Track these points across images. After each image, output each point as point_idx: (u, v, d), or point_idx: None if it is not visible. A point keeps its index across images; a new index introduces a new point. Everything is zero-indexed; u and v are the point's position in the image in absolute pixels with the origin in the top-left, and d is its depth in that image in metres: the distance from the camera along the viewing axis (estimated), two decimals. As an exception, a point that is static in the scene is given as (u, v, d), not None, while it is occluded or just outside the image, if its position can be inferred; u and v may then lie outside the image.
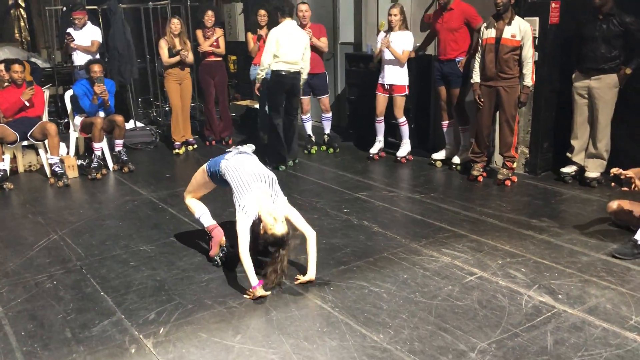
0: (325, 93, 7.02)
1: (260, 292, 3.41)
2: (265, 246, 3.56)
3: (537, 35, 5.49)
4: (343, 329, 3.10)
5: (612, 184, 4.09)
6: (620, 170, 3.96)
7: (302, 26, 6.60)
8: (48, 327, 3.20)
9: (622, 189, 3.98)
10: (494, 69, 5.34)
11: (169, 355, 2.90)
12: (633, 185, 3.88)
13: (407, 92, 6.33)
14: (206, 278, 3.75)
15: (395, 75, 6.25)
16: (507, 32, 5.25)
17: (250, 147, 4.08)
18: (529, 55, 5.25)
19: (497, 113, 5.59)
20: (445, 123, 6.24)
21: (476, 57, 5.53)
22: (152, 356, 2.90)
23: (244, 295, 3.46)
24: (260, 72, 6.21)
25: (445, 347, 2.90)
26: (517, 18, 5.28)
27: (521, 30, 5.22)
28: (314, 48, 6.70)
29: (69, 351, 2.95)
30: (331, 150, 7.15)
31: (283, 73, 6.12)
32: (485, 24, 5.44)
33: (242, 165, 3.71)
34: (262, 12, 7.09)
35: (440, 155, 6.33)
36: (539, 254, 3.98)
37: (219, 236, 3.98)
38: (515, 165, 5.64)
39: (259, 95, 6.64)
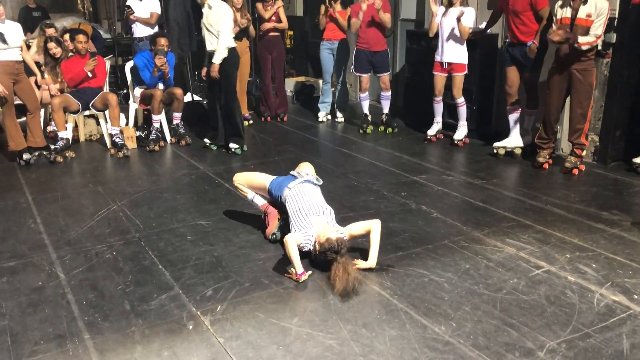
0: (386, 71, 6.84)
1: (303, 278, 3.39)
2: (324, 259, 3.42)
3: (616, 16, 5.15)
4: (403, 318, 3.00)
5: None
6: None
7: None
8: (108, 298, 3.23)
9: None
10: (568, 51, 5.03)
11: (226, 334, 2.88)
12: None
13: (466, 71, 6.08)
14: (263, 257, 3.72)
15: (455, 53, 6.01)
16: (583, 12, 4.93)
17: (317, 179, 4.02)
18: (598, 31, 4.88)
19: (569, 98, 5.30)
20: (510, 108, 5.93)
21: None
22: (209, 334, 2.88)
23: (285, 275, 3.43)
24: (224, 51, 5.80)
25: (511, 343, 2.76)
26: None
27: (597, 8, 4.88)
28: (376, 24, 6.53)
29: (128, 324, 2.97)
30: (389, 130, 6.99)
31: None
32: (560, 2, 5.12)
33: (303, 197, 3.75)
34: None
35: (502, 143, 6.02)
36: (611, 250, 3.76)
37: (274, 212, 3.99)
38: (584, 153, 5.35)
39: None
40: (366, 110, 7.06)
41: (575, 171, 5.31)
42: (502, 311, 3.05)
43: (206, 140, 6.28)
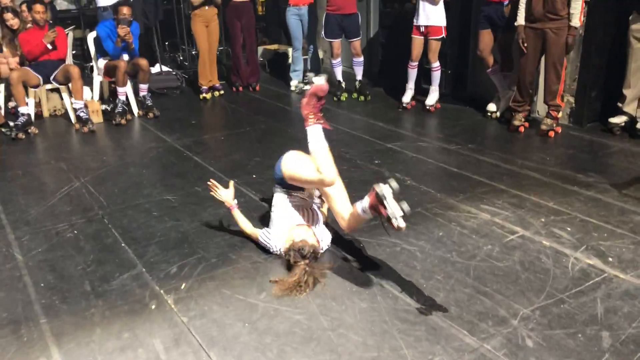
0: (358, 36, 6.64)
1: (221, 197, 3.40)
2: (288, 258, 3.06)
3: (592, -27, 5.01)
4: (374, 289, 2.91)
5: None
6: None
7: None
8: (67, 279, 3.09)
9: None
10: (542, 10, 4.90)
11: (190, 313, 2.76)
12: None
13: (444, 35, 5.92)
14: (231, 231, 3.59)
15: (431, 16, 5.83)
16: None
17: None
18: None
19: (543, 58, 5.18)
20: (491, 70, 5.78)
21: None
22: (173, 313, 2.76)
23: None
24: None
25: (484, 312, 2.69)
26: None
27: None
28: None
29: (87, 305, 2.84)
30: (362, 97, 6.83)
31: None
32: None
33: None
34: None
35: (493, 107, 5.89)
36: (586, 212, 3.69)
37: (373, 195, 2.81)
38: (560, 114, 5.26)
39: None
40: (339, 77, 6.89)
41: (552, 133, 5.23)
42: (475, 279, 2.97)
43: None
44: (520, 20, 5.08)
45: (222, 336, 2.58)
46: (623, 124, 5.20)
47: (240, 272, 3.12)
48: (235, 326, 2.65)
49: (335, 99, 6.82)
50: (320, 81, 3.05)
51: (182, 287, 2.98)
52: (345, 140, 5.36)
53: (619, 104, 5.18)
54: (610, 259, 3.13)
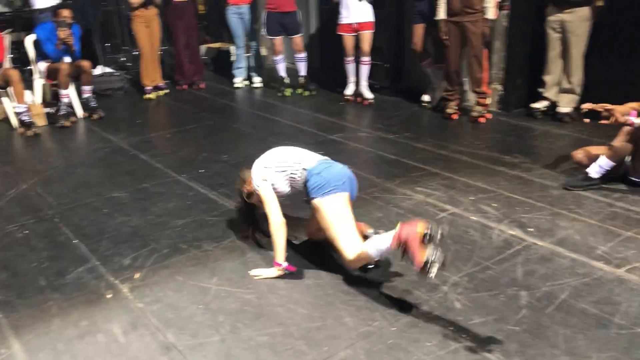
0: (298, 32, 6.85)
1: (276, 272, 3.03)
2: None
3: (511, -31, 5.39)
4: (319, 267, 3.13)
5: (587, 120, 4.06)
6: (593, 105, 3.92)
7: None
8: (22, 276, 3.18)
9: (601, 122, 3.86)
10: (460, 5, 5.25)
11: (145, 299, 2.91)
12: (613, 118, 3.76)
13: (373, 29, 6.19)
14: (181, 223, 3.74)
15: (361, 12, 6.08)
16: None
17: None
18: None
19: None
20: (425, 64, 6.10)
21: None
22: (129, 301, 2.91)
23: (252, 274, 3.07)
24: None
25: (418, 281, 2.95)
26: None
27: None
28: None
29: (44, 299, 2.95)
30: (306, 92, 7.04)
31: None
32: None
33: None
34: None
35: (428, 97, 6.21)
36: (511, 189, 4.03)
37: (413, 230, 2.51)
38: (488, 101, 5.63)
39: None
40: (283, 73, 7.08)
41: (482, 120, 5.59)
42: (410, 253, 3.24)
43: None
44: (441, 15, 5.41)
45: (177, 318, 2.75)
46: (544, 109, 5.61)
47: (192, 260, 3.29)
48: (189, 308, 2.82)
49: (279, 94, 7.01)
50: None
51: (137, 276, 3.12)
52: (291, 134, 5.57)
53: (540, 90, 5.58)
54: (530, 229, 3.46)
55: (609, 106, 3.82)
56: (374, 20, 6.14)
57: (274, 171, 3.14)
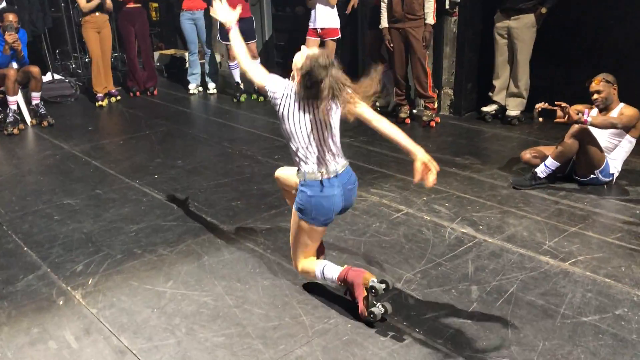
0: (253, 39, 6.87)
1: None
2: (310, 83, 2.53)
3: (459, -23, 5.56)
4: (275, 269, 3.15)
5: (540, 119, 4.11)
6: (547, 105, 4.00)
7: None
8: (-32, 285, 3.09)
9: (556, 120, 3.89)
10: (401, 11, 5.39)
11: (99, 305, 2.87)
12: (567, 117, 3.82)
13: (339, 36, 6.28)
14: (135, 228, 3.69)
15: (327, 18, 6.17)
16: None
17: None
18: None
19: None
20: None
21: (382, 2, 5.52)
22: (81, 307, 2.86)
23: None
24: None
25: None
26: None
27: None
28: (238, -9, 6.52)
29: (-8, 307, 2.87)
30: (262, 98, 7.05)
31: None
32: None
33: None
34: None
35: (382, 102, 6.31)
36: (462, 189, 4.15)
37: (359, 277, 2.65)
38: (435, 105, 5.77)
39: None
40: (237, 78, 7.08)
41: (433, 124, 5.72)
42: (365, 252, 3.29)
43: None
44: (384, 23, 5.54)
45: (131, 322, 2.72)
46: (494, 112, 5.79)
47: (147, 264, 3.25)
48: (144, 312, 2.79)
49: (234, 100, 7.00)
50: None
51: (89, 282, 3.07)
52: (246, 139, 5.57)
53: (490, 94, 5.76)
54: (480, 227, 3.57)
55: (564, 104, 3.92)
56: (338, 27, 6.21)
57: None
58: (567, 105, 3.89)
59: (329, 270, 2.74)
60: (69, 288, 3.02)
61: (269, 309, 2.79)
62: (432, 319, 2.67)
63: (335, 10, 6.16)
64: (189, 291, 2.97)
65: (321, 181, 2.61)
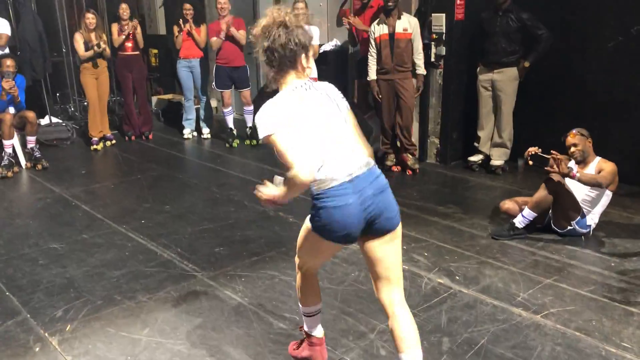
0: (247, 86, 7.07)
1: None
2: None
3: (444, 31, 5.75)
4: (251, 317, 3.19)
5: (531, 162, 4.07)
6: (537, 149, 4.05)
7: (221, 18, 6.67)
8: (-53, 330, 3.12)
9: (547, 168, 3.97)
10: (391, 63, 5.56)
11: (74, 352, 2.90)
12: (558, 168, 3.89)
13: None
14: (117, 274, 3.75)
15: (314, 68, 6.35)
16: (399, 27, 5.50)
17: None
18: (420, 46, 5.61)
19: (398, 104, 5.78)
20: (368, 116, 6.36)
21: (369, 55, 5.70)
22: (57, 353, 2.89)
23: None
24: None
25: (347, 329, 3.05)
26: (404, 13, 5.56)
27: (411, 24, 5.53)
28: (233, 40, 6.74)
29: (-32, 353, 2.90)
30: (255, 142, 7.18)
31: None
32: (375, 22, 5.63)
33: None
34: (188, 5, 7.09)
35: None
36: (442, 239, 4.21)
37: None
38: (416, 153, 5.92)
39: None
40: (231, 124, 7.23)
41: (416, 170, 5.81)
42: (342, 302, 3.34)
43: None
44: (372, 75, 5.69)
45: (104, 370, 2.75)
46: (480, 162, 5.90)
47: (125, 311, 3.29)
48: (118, 360, 2.83)
49: (227, 145, 7.13)
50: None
51: (67, 328, 3.11)
52: (235, 184, 5.67)
53: (476, 144, 5.89)
54: (457, 277, 3.62)
55: (558, 156, 3.97)
56: (316, 77, 6.38)
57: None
58: (561, 158, 3.98)
59: (312, 320, 2.63)
60: (46, 334, 3.06)
61: (242, 359, 2.82)
62: (401, 371, 2.70)
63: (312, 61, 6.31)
64: (164, 339, 3.00)
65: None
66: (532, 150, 4.12)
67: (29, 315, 3.25)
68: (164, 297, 3.44)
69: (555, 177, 3.99)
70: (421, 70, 5.64)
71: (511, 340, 2.94)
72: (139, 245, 4.20)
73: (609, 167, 4.08)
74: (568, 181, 4.06)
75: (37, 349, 2.93)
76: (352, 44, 6.55)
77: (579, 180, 3.95)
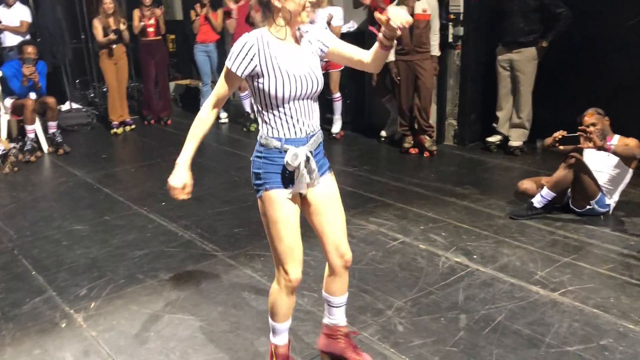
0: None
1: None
2: None
3: (462, 11, 5.70)
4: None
5: (562, 147, 4.02)
6: (563, 132, 4.00)
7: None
8: (-23, 307, 3.23)
9: (579, 145, 3.87)
10: (411, 44, 5.53)
11: (99, 328, 2.98)
12: (590, 142, 3.78)
13: (342, 67, 6.44)
14: (139, 254, 3.83)
15: None
16: (419, 8, 5.46)
17: None
18: (437, 27, 5.58)
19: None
20: (385, 100, 6.35)
21: None
22: (82, 329, 2.97)
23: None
24: None
25: (364, 306, 3.09)
26: None
27: (430, 4, 5.49)
28: (250, 22, 6.75)
29: (-2, 329, 3.00)
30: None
31: None
32: (394, 3, 5.58)
33: None
34: None
35: (385, 133, 6.45)
36: (459, 219, 4.22)
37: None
38: (434, 134, 5.91)
39: None
40: (248, 108, 7.26)
41: (434, 152, 5.80)
42: (359, 280, 3.37)
43: None
44: (391, 57, 5.66)
45: (129, 345, 2.83)
46: (498, 142, 5.87)
47: (147, 289, 3.37)
48: (141, 336, 2.90)
49: (244, 129, 7.18)
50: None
51: (92, 306, 3.19)
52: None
53: (494, 125, 5.85)
54: (474, 257, 3.63)
55: (587, 129, 3.88)
56: None
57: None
58: (591, 130, 3.89)
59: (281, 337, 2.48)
60: (72, 311, 3.15)
61: (262, 334, 2.87)
62: (418, 347, 2.74)
63: None
64: (186, 316, 3.07)
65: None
66: (558, 134, 4.03)
67: (54, 293, 3.35)
68: (185, 275, 3.51)
69: (576, 156, 3.96)
70: (435, 51, 5.60)
71: (528, 317, 2.95)
72: (160, 227, 4.27)
73: (633, 141, 4.03)
74: (588, 161, 4.04)
75: (64, 325, 3.02)
76: (372, 23, 6.51)
77: (614, 153, 3.86)
